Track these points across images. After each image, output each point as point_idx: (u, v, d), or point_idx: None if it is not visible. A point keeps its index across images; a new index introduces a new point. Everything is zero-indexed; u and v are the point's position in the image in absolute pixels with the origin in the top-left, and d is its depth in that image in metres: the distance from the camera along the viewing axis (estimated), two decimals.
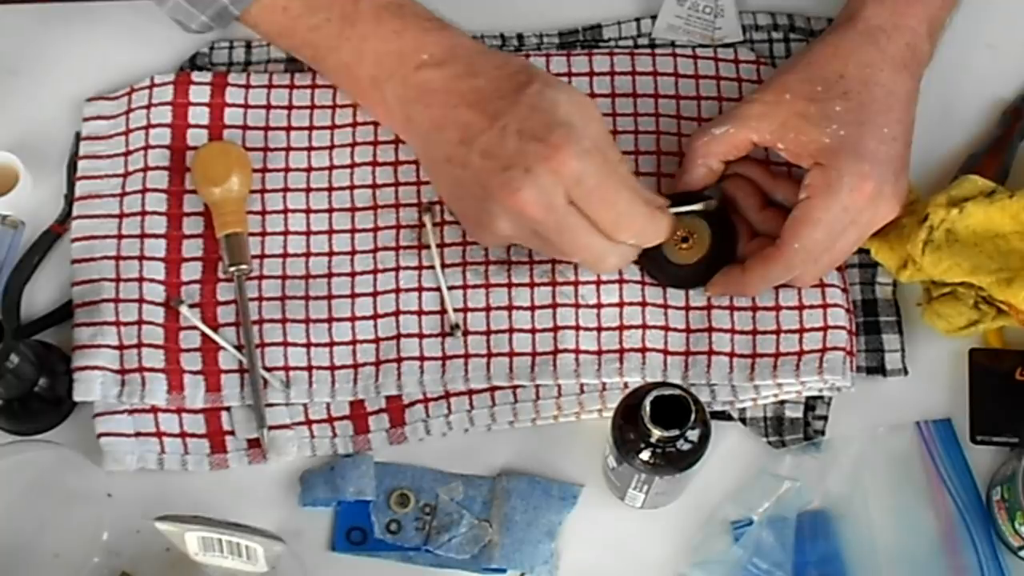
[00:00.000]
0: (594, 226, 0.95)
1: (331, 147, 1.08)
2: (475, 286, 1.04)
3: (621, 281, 1.03)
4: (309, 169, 1.08)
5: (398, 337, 1.03)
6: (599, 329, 1.02)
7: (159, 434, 1.02)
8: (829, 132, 0.98)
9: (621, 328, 1.02)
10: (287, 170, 1.08)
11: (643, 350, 1.02)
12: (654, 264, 1.03)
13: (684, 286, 1.03)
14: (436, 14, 1.02)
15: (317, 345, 1.03)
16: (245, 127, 1.08)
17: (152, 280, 1.04)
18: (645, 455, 0.92)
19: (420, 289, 1.04)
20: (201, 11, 1.04)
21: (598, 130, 0.96)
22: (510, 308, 1.03)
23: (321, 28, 1.02)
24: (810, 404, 1.03)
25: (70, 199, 1.08)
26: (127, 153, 1.08)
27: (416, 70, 0.99)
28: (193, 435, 1.02)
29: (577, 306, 1.03)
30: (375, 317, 1.03)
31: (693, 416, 0.90)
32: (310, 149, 1.08)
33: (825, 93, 0.99)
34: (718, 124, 1.01)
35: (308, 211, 1.06)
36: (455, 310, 1.03)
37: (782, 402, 1.02)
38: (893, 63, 1.00)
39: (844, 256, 1.00)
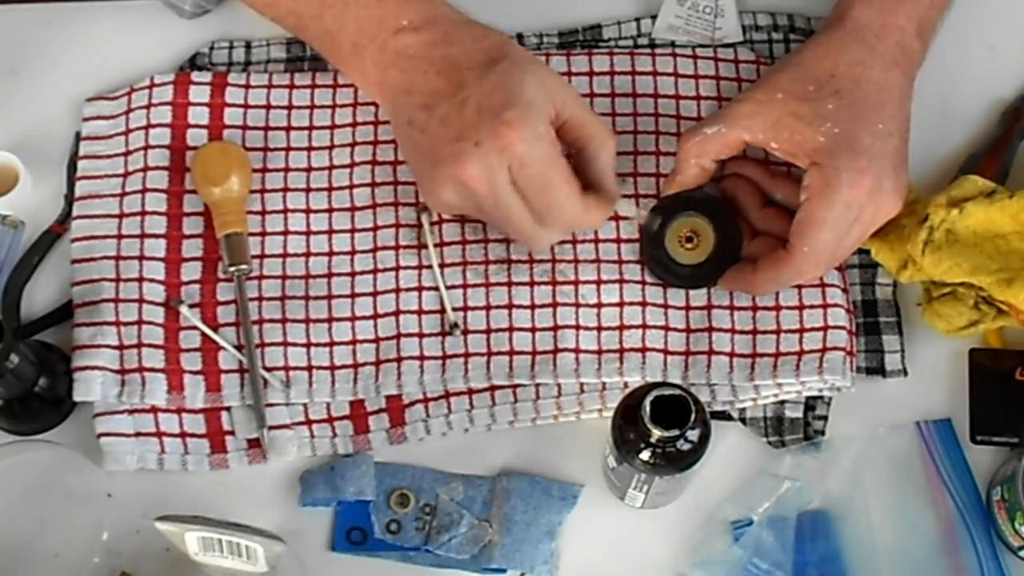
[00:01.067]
0: (529, 209, 0.96)
1: (331, 147, 1.08)
2: (475, 285, 1.04)
3: (621, 281, 1.03)
4: (309, 169, 1.08)
5: (398, 337, 1.03)
6: (599, 328, 1.02)
7: (159, 434, 1.02)
8: (823, 131, 0.98)
9: (621, 328, 1.02)
10: (287, 170, 1.08)
11: (643, 350, 1.02)
12: (658, 263, 1.03)
13: (688, 285, 1.03)
14: None
15: (317, 345, 1.03)
16: (245, 127, 1.08)
17: (152, 280, 1.04)
18: (645, 455, 0.92)
19: (420, 289, 1.04)
20: None
21: (573, 103, 0.96)
22: (510, 307, 1.03)
23: None
24: (810, 404, 1.03)
25: (70, 199, 1.08)
26: (127, 153, 1.08)
27: (395, 35, 1.00)
28: (193, 435, 1.02)
29: (577, 305, 1.03)
30: (375, 317, 1.03)
31: (693, 416, 0.90)
32: (310, 149, 1.08)
33: (817, 92, 0.99)
34: (710, 124, 1.01)
35: (308, 211, 1.06)
36: (455, 309, 1.03)
37: (782, 402, 1.03)
38: (884, 61, 1.01)
39: (848, 253, 1.00)
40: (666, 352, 1.02)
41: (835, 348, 1.01)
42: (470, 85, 0.96)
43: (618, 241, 1.05)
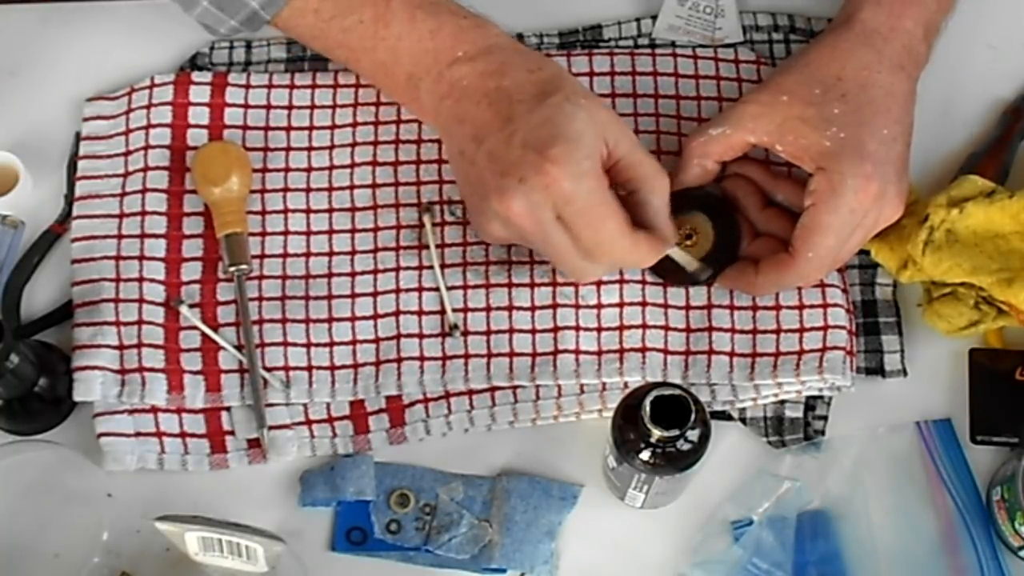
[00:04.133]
0: (576, 245, 0.95)
1: (331, 147, 1.08)
2: (475, 286, 1.04)
3: (621, 281, 1.03)
4: (309, 169, 1.08)
5: (398, 337, 1.03)
6: (599, 329, 1.02)
7: (159, 434, 1.02)
8: (829, 135, 0.98)
9: (621, 328, 1.02)
10: (287, 170, 1.08)
11: (643, 350, 1.02)
12: (658, 262, 1.03)
13: (688, 284, 1.03)
14: (469, 6, 1.03)
15: (317, 345, 1.03)
16: (245, 127, 1.08)
17: (152, 280, 1.04)
18: (645, 455, 0.92)
19: (420, 289, 1.04)
20: (231, 16, 1.04)
21: (627, 144, 0.95)
22: (510, 308, 1.03)
23: (354, 30, 1.02)
24: (810, 404, 1.03)
25: (70, 199, 1.08)
26: (127, 153, 1.08)
27: (450, 66, 1.00)
28: (193, 435, 1.02)
29: (577, 306, 1.03)
30: (375, 317, 1.03)
31: (693, 416, 0.90)
32: (310, 149, 1.08)
33: (823, 96, 0.99)
34: (714, 125, 1.01)
35: (308, 211, 1.06)
36: (456, 310, 1.03)
37: (782, 402, 1.03)
38: (890, 65, 1.00)
39: (849, 257, 1.00)
40: (666, 352, 1.02)
41: (835, 348, 1.01)
42: (519, 119, 0.95)
43: None
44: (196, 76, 1.09)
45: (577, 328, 1.02)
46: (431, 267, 1.04)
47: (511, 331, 1.03)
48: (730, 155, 1.02)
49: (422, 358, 1.02)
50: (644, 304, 1.03)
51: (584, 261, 0.96)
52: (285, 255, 1.06)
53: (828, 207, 0.97)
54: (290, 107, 1.09)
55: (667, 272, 1.03)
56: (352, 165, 1.07)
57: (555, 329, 1.02)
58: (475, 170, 0.97)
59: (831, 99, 0.99)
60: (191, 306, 1.04)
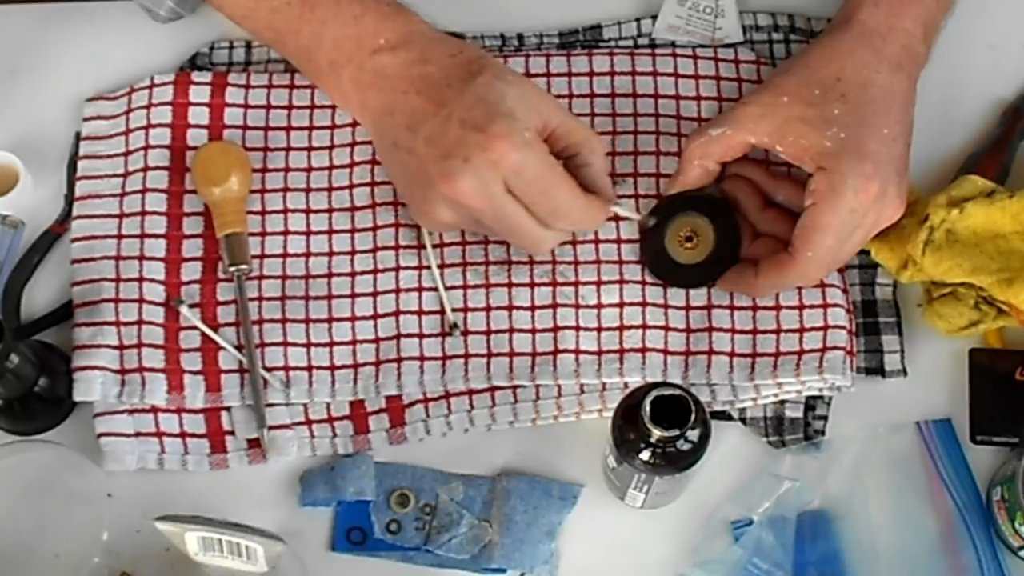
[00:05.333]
0: (531, 214, 0.96)
1: (331, 147, 1.08)
2: (475, 286, 1.04)
3: (621, 281, 1.03)
4: (309, 169, 1.08)
5: (398, 337, 1.03)
6: (599, 329, 1.02)
7: (159, 434, 1.02)
8: (829, 135, 0.98)
9: (621, 328, 1.02)
10: (287, 170, 1.08)
11: (643, 350, 1.02)
12: (658, 263, 1.03)
13: (688, 285, 1.03)
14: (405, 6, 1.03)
15: (317, 345, 1.03)
16: (245, 127, 1.08)
17: (152, 280, 1.04)
18: (645, 455, 0.92)
19: (420, 289, 1.04)
20: None
21: (556, 112, 0.97)
22: (510, 308, 1.03)
23: (281, 11, 1.03)
24: (810, 404, 1.03)
25: (70, 199, 1.08)
26: (127, 153, 1.08)
27: (372, 55, 1.00)
28: (193, 435, 1.02)
29: (577, 306, 1.03)
30: (375, 317, 1.03)
31: (693, 416, 0.90)
32: (310, 149, 1.08)
33: (823, 96, 0.99)
34: (715, 125, 1.01)
35: (308, 211, 1.06)
36: (455, 310, 1.03)
37: (782, 402, 1.03)
38: (890, 64, 1.00)
39: (848, 257, 1.00)
40: (666, 352, 1.02)
41: (835, 348, 1.01)
42: (451, 102, 0.96)
43: (618, 242, 1.05)
44: (196, 76, 1.09)
45: (577, 328, 1.02)
46: (431, 267, 1.04)
47: (511, 331, 1.03)
48: (730, 156, 1.02)
49: (422, 358, 1.02)
50: (644, 304, 1.03)
51: (541, 230, 0.97)
52: (285, 255, 1.05)
53: (828, 207, 0.97)
54: (290, 107, 1.09)
55: (667, 273, 1.03)
56: (351, 165, 1.07)
57: (555, 329, 1.02)
58: (414, 159, 0.97)
59: (831, 99, 0.99)
60: (191, 306, 1.04)
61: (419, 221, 1.01)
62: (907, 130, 1.00)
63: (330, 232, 1.06)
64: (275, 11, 1.03)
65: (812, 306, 1.02)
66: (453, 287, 1.04)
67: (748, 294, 1.02)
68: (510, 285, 1.04)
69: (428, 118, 0.96)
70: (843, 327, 1.02)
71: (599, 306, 1.03)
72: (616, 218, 1.03)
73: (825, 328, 1.02)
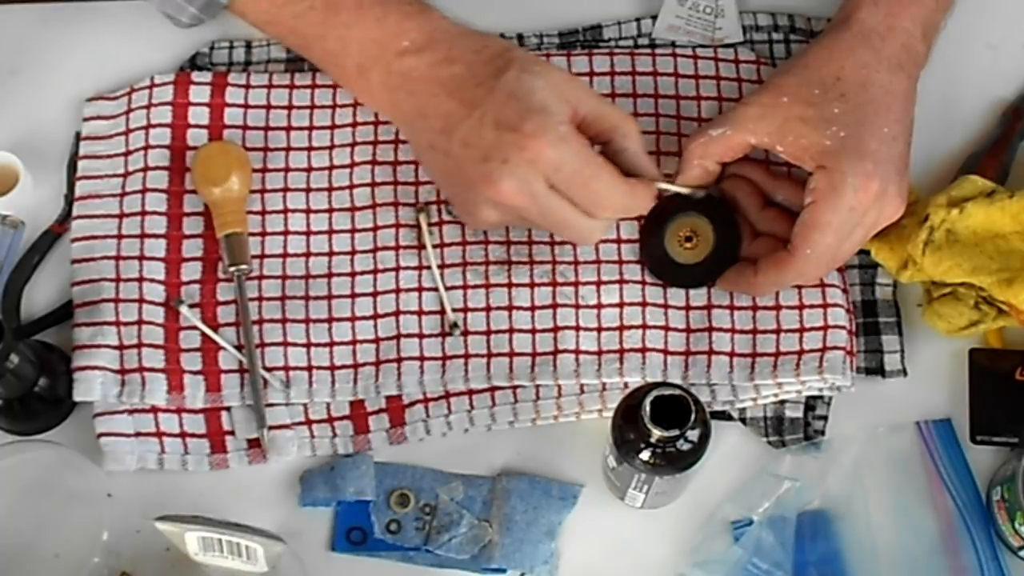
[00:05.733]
0: (576, 207, 0.96)
1: (331, 147, 1.08)
2: (475, 286, 1.04)
3: (621, 281, 1.03)
4: (309, 169, 1.08)
5: (398, 337, 1.03)
6: (599, 329, 1.02)
7: (159, 434, 1.02)
8: (829, 134, 0.98)
9: (621, 328, 1.02)
10: (287, 170, 1.08)
11: (643, 350, 1.02)
12: (658, 264, 1.03)
13: (688, 285, 1.03)
14: None
15: (317, 345, 1.03)
16: (245, 127, 1.08)
17: (152, 280, 1.04)
18: (645, 455, 0.92)
19: (420, 289, 1.04)
20: (190, 2, 1.05)
21: (587, 99, 0.96)
22: (510, 308, 1.03)
23: (305, 16, 1.03)
24: (810, 404, 1.03)
25: (70, 199, 1.08)
26: (127, 153, 1.08)
27: (398, 57, 1.00)
28: (193, 435, 1.02)
29: (577, 306, 1.03)
30: (375, 317, 1.03)
31: (693, 416, 0.90)
32: (310, 149, 1.08)
33: (823, 96, 0.99)
34: (715, 126, 1.01)
35: (308, 211, 1.06)
36: (455, 310, 1.03)
37: (782, 402, 1.03)
38: (889, 64, 1.01)
39: (848, 256, 1.00)
40: (666, 352, 1.02)
41: (835, 348, 1.01)
42: (483, 102, 0.95)
43: (618, 242, 1.05)
44: (196, 76, 1.09)
45: (577, 328, 1.02)
46: (431, 267, 1.04)
47: (511, 331, 1.03)
48: (731, 156, 1.02)
49: (422, 358, 1.02)
50: (644, 304, 1.03)
51: (588, 221, 0.97)
52: (285, 255, 1.05)
53: (828, 205, 0.97)
54: (290, 107, 1.09)
55: (667, 273, 1.03)
56: (352, 165, 1.07)
57: (555, 329, 1.02)
58: (452, 162, 0.97)
59: (831, 99, 0.99)
60: (191, 306, 1.04)
61: (466, 221, 1.01)
62: (907, 129, 1.00)
63: (330, 232, 1.06)
64: (298, 16, 1.03)
65: (812, 306, 1.02)
66: (453, 287, 1.04)
67: (747, 293, 1.02)
68: (510, 285, 1.04)
69: (462, 120, 0.96)
70: (843, 327, 1.02)
71: (599, 306, 1.03)
72: (661, 195, 1.01)
73: (825, 328, 1.02)
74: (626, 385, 1.02)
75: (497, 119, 0.94)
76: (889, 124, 0.99)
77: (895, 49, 1.01)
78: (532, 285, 1.04)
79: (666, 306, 1.03)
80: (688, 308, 1.03)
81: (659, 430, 0.90)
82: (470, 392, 1.02)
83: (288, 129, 1.09)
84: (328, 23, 1.02)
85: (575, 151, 0.94)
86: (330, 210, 1.06)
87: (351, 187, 1.07)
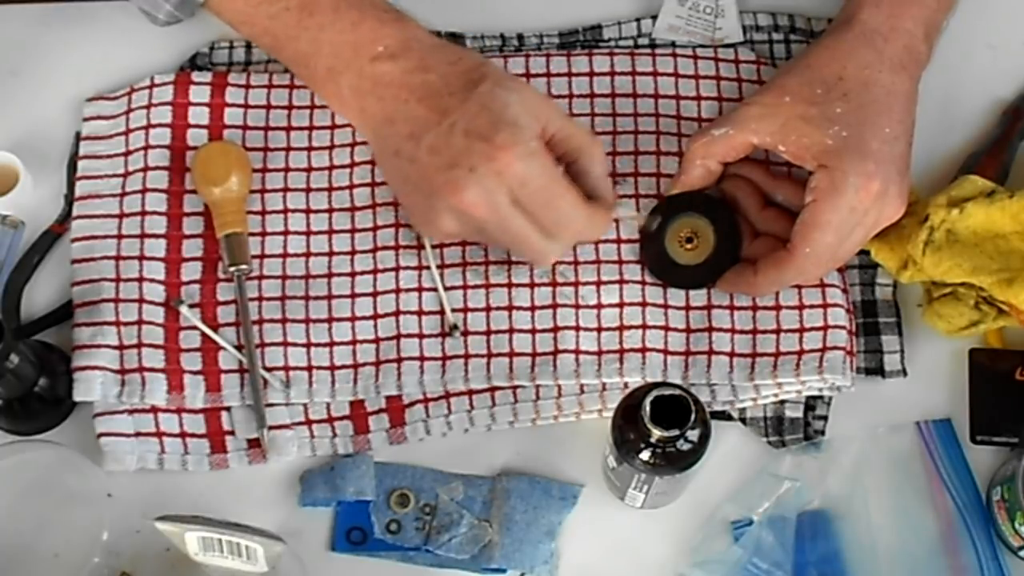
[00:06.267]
0: (536, 225, 0.96)
1: (331, 147, 1.08)
2: (475, 286, 1.04)
3: (621, 282, 1.03)
4: (309, 169, 1.08)
5: (398, 337, 1.03)
6: (599, 330, 1.02)
7: (159, 434, 1.02)
8: (831, 134, 0.98)
9: (621, 328, 1.02)
10: (287, 170, 1.08)
11: (643, 350, 1.02)
12: (658, 264, 1.03)
13: (688, 286, 1.03)
14: (394, 5, 1.03)
15: (317, 345, 1.03)
16: (245, 127, 1.08)
17: (152, 280, 1.04)
18: (645, 455, 0.92)
19: (420, 289, 1.04)
20: (166, 0, 1.05)
21: (557, 118, 0.96)
22: (510, 308, 1.03)
23: (280, 17, 1.02)
24: (810, 404, 1.03)
25: (70, 199, 1.08)
26: (127, 153, 1.08)
27: (371, 62, 1.00)
28: (193, 435, 1.02)
29: (577, 307, 1.03)
30: (375, 317, 1.03)
31: (693, 416, 0.90)
32: (310, 149, 1.08)
33: (825, 95, 0.99)
34: (717, 126, 1.01)
35: (308, 211, 1.06)
36: (455, 310, 1.03)
37: (782, 402, 1.03)
38: (891, 64, 1.01)
39: (848, 256, 1.00)
40: (666, 352, 1.02)
41: (835, 348, 1.01)
42: (454, 111, 0.95)
43: (618, 242, 1.05)
44: (196, 76, 1.09)
45: (577, 328, 1.02)
46: (430, 267, 1.04)
47: (511, 331, 1.03)
48: (733, 156, 1.02)
49: (422, 358, 1.02)
50: (644, 304, 1.03)
51: (545, 241, 0.97)
52: (285, 255, 1.05)
53: (829, 204, 0.97)
54: (290, 107, 1.09)
55: (668, 274, 1.03)
56: (352, 165, 1.07)
57: (555, 329, 1.02)
58: (417, 168, 0.96)
59: (833, 98, 0.99)
60: (191, 306, 1.04)
61: (421, 231, 1.01)
62: (908, 130, 1.00)
63: (330, 232, 1.06)
64: (273, 17, 1.02)
65: (812, 306, 1.02)
66: (453, 287, 1.04)
67: (747, 293, 1.02)
68: (510, 285, 1.04)
69: (431, 127, 0.96)
70: (843, 327, 1.02)
71: (599, 306, 1.03)
72: (617, 221, 1.03)
73: (825, 328, 1.02)
74: (626, 385, 1.02)
75: (468, 128, 0.94)
76: (891, 124, 0.99)
77: (897, 49, 1.01)
78: (532, 285, 1.04)
79: (666, 306, 1.03)
80: (688, 308, 1.03)
81: (659, 430, 0.90)
82: (470, 392, 1.02)
83: (288, 129, 1.09)
84: (302, 24, 1.02)
85: (542, 167, 0.94)
86: (330, 210, 1.06)
87: (351, 187, 1.07)
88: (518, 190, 0.94)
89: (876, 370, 1.03)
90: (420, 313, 1.03)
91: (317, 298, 1.04)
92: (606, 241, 1.04)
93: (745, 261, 1.02)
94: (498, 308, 1.03)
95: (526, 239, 0.96)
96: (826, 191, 0.97)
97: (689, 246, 1.03)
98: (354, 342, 1.03)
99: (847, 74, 1.00)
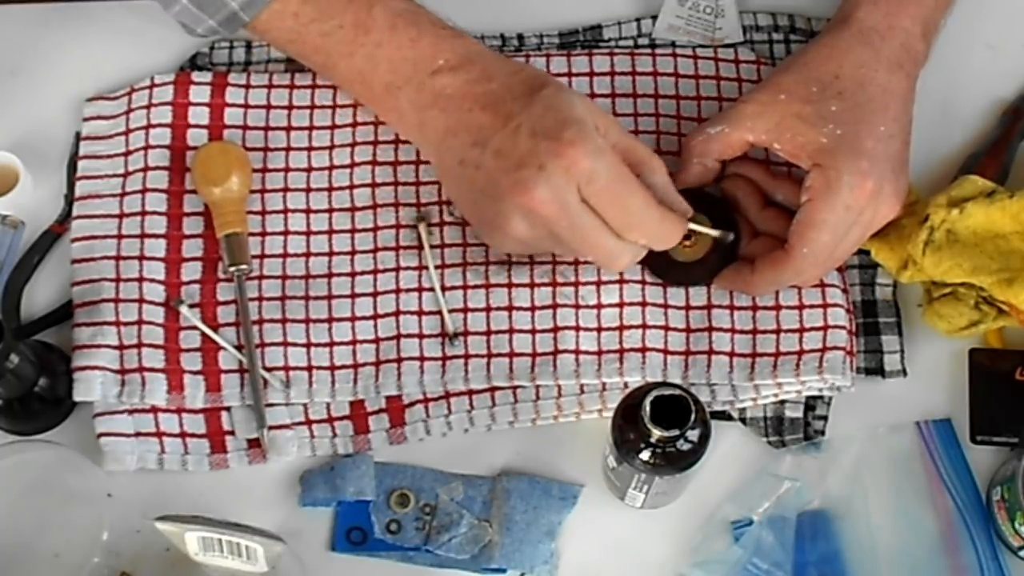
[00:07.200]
0: (606, 225, 0.95)
1: (331, 147, 1.08)
2: (475, 286, 1.04)
3: (621, 281, 1.03)
4: (309, 169, 1.08)
5: (398, 337, 1.03)
6: (599, 329, 1.02)
7: (159, 434, 1.02)
8: (826, 132, 0.98)
9: (621, 328, 1.02)
10: (287, 170, 1.08)
11: (643, 350, 1.02)
12: (657, 262, 1.03)
13: (688, 284, 1.03)
14: (447, 19, 1.03)
15: (317, 345, 1.03)
16: (245, 127, 1.08)
17: (152, 280, 1.04)
18: (645, 455, 0.92)
19: (420, 289, 1.04)
20: (210, 15, 1.03)
21: (616, 131, 0.96)
22: (510, 309, 1.03)
23: (333, 35, 1.02)
24: (810, 404, 1.03)
25: (70, 199, 1.08)
26: (127, 153, 1.08)
27: (432, 76, 0.99)
28: (193, 435, 1.02)
29: (577, 307, 1.03)
30: (375, 317, 1.03)
31: (693, 416, 0.90)
32: (310, 149, 1.08)
33: (820, 93, 0.99)
34: (713, 123, 1.01)
35: (308, 211, 1.07)
36: (455, 310, 1.03)
37: (782, 402, 1.03)
38: (888, 63, 1.01)
39: (846, 255, 1.00)
40: (666, 352, 1.02)
41: (835, 348, 1.01)
42: (519, 114, 0.95)
43: None
44: (196, 76, 1.09)
45: (577, 328, 1.02)
46: (429, 268, 1.04)
47: (511, 331, 1.03)
48: (729, 153, 1.02)
49: (422, 358, 1.02)
50: (644, 304, 1.03)
51: (615, 242, 0.95)
52: (285, 255, 1.06)
53: (824, 203, 0.97)
54: (290, 107, 1.09)
55: (665, 271, 1.03)
56: (352, 165, 1.07)
57: (555, 329, 1.02)
58: (483, 174, 0.96)
59: (828, 97, 0.99)
60: (191, 306, 1.04)
61: (489, 241, 1.00)
62: (905, 128, 1.00)
63: (330, 232, 1.06)
64: (326, 35, 1.02)
65: (812, 306, 1.02)
66: (453, 287, 1.04)
67: (745, 292, 1.02)
68: (510, 285, 1.04)
69: (496, 132, 0.95)
70: (843, 327, 1.02)
71: (599, 306, 1.03)
72: (691, 234, 1.01)
73: (825, 328, 1.02)
74: (626, 385, 1.02)
75: (534, 128, 0.94)
76: (886, 123, 0.99)
77: (894, 48, 1.01)
78: (532, 285, 1.04)
79: (666, 306, 1.03)
80: (688, 308, 1.03)
81: (659, 430, 0.90)
82: (470, 392, 1.02)
83: (288, 129, 1.09)
84: (357, 41, 1.01)
85: (611, 165, 0.93)
86: (330, 210, 1.06)
87: (351, 187, 1.07)
88: (586, 187, 0.93)
89: (876, 370, 1.03)
90: (420, 313, 1.03)
91: (317, 298, 1.04)
92: None
93: (743, 260, 1.02)
94: (498, 308, 1.03)
95: (596, 239, 0.95)
96: (821, 190, 0.97)
97: (688, 243, 1.03)
98: (354, 342, 1.03)
99: (843, 72, 1.00)
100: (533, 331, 1.03)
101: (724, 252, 1.02)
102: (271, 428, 1.02)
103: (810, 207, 0.97)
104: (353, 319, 1.03)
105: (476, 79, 0.98)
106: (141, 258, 1.04)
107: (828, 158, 0.97)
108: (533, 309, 1.03)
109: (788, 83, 1.00)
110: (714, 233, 1.01)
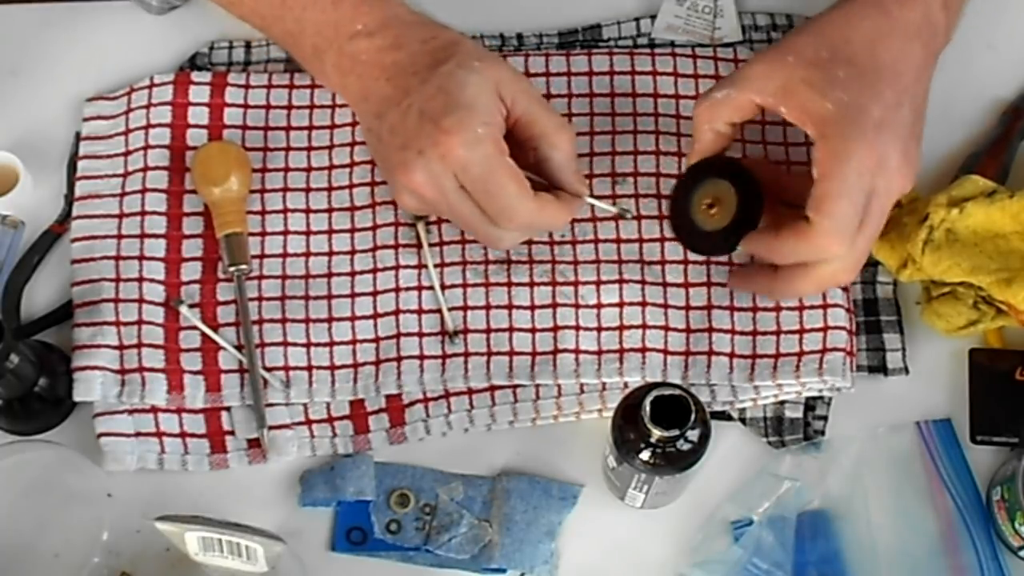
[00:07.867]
0: (483, 212, 0.96)
1: (330, 147, 1.08)
2: (475, 285, 1.04)
3: (621, 281, 1.03)
4: (309, 169, 1.08)
5: (398, 336, 1.03)
6: (599, 329, 1.02)
7: (159, 434, 1.02)
8: (832, 98, 0.95)
9: (621, 328, 1.02)
10: (287, 170, 1.08)
11: (643, 350, 1.02)
12: (688, 236, 1.01)
13: (712, 252, 1.02)
14: (421, 10, 1.03)
15: (317, 345, 1.03)
16: (245, 127, 1.09)
17: (152, 280, 1.04)
18: (645, 455, 0.92)
19: (420, 288, 1.04)
20: None
21: (525, 100, 0.96)
22: (510, 307, 1.03)
23: None
24: (810, 404, 1.03)
25: (70, 199, 1.08)
26: (127, 153, 1.08)
27: (350, 40, 1.00)
28: (193, 435, 1.02)
29: (577, 306, 1.03)
30: (375, 316, 1.03)
31: (693, 416, 0.90)
32: (309, 149, 1.08)
33: (830, 58, 0.96)
34: (719, 88, 0.98)
35: (308, 211, 1.07)
36: (455, 309, 1.03)
37: (782, 402, 1.02)
38: (905, 32, 0.98)
39: (876, 230, 0.96)
40: (666, 352, 1.02)
41: (835, 349, 1.01)
42: (414, 91, 0.96)
43: (618, 241, 1.05)
44: (196, 76, 1.09)
45: (577, 328, 1.02)
46: (428, 267, 1.04)
47: (511, 330, 1.03)
48: (739, 117, 0.98)
49: (422, 357, 1.02)
50: (644, 304, 1.03)
51: (494, 228, 0.97)
52: (285, 255, 1.06)
53: (835, 173, 0.93)
54: (289, 107, 1.09)
55: (696, 242, 1.01)
56: (351, 164, 1.07)
57: (555, 328, 1.02)
58: (382, 146, 0.98)
59: (838, 62, 0.96)
60: (191, 306, 1.04)
61: (396, 201, 1.02)
62: (916, 99, 0.98)
63: (330, 232, 1.06)
64: None
65: (812, 307, 1.02)
66: (452, 286, 1.04)
67: (767, 259, 0.98)
68: (510, 284, 1.04)
69: (392, 107, 0.97)
70: (843, 328, 1.02)
71: (599, 306, 1.03)
72: (617, 220, 1.03)
73: (825, 329, 1.02)
74: (626, 385, 1.02)
75: (422, 109, 0.95)
76: (896, 92, 0.96)
77: (912, 17, 0.98)
78: (532, 284, 1.04)
79: (666, 306, 1.03)
80: (688, 308, 1.03)
81: (659, 430, 0.90)
82: (470, 391, 1.02)
83: (288, 129, 1.09)
84: (285, 5, 1.02)
85: (486, 155, 0.94)
86: (330, 210, 1.06)
87: (350, 186, 1.07)
88: (461, 175, 0.94)
89: (879, 368, 1.03)
90: (420, 312, 1.03)
91: (317, 298, 1.04)
92: (606, 240, 1.04)
93: (767, 228, 0.99)
94: (498, 307, 1.03)
95: (474, 224, 0.97)
96: (827, 161, 0.94)
97: (712, 212, 1.00)
98: (354, 341, 1.03)
99: (855, 38, 0.97)
100: (533, 330, 1.03)
101: (747, 218, 0.99)
102: (271, 428, 1.02)
103: (821, 180, 0.94)
104: (353, 318, 1.03)
105: (388, 46, 0.99)
106: (141, 258, 1.04)
107: (831, 127, 0.94)
108: (533, 308, 1.03)
109: (799, 45, 0.97)
110: (612, 210, 1.01)
